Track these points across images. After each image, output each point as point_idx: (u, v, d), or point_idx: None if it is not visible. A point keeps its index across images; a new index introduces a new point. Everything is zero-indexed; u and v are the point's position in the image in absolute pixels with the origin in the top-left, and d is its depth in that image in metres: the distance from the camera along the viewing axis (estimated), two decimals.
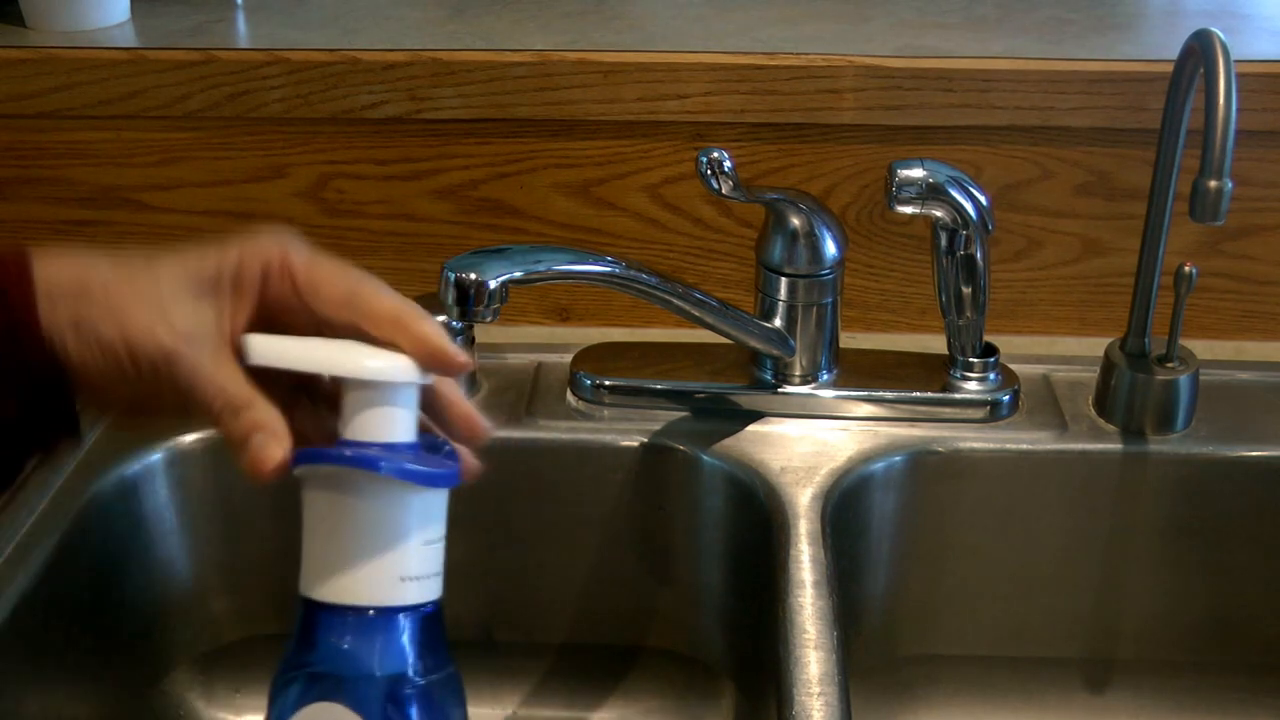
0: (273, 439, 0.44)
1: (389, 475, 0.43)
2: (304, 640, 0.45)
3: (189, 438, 0.76)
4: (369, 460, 0.43)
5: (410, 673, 0.45)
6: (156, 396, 0.45)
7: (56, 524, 0.70)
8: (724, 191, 0.69)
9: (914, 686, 0.84)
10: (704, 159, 0.68)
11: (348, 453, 0.44)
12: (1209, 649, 0.82)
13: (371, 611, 0.44)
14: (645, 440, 0.77)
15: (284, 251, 0.46)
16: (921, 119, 0.82)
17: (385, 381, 0.44)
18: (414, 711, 0.45)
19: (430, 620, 0.46)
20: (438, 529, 0.47)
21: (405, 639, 0.45)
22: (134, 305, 0.44)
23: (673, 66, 0.82)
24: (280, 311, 0.46)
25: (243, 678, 0.83)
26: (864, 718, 0.82)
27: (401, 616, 0.45)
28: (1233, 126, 0.61)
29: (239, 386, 0.45)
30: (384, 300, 0.46)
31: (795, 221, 0.74)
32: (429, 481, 0.45)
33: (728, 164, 0.68)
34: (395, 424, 0.45)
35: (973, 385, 0.78)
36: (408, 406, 0.45)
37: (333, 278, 0.46)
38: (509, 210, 0.87)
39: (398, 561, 0.45)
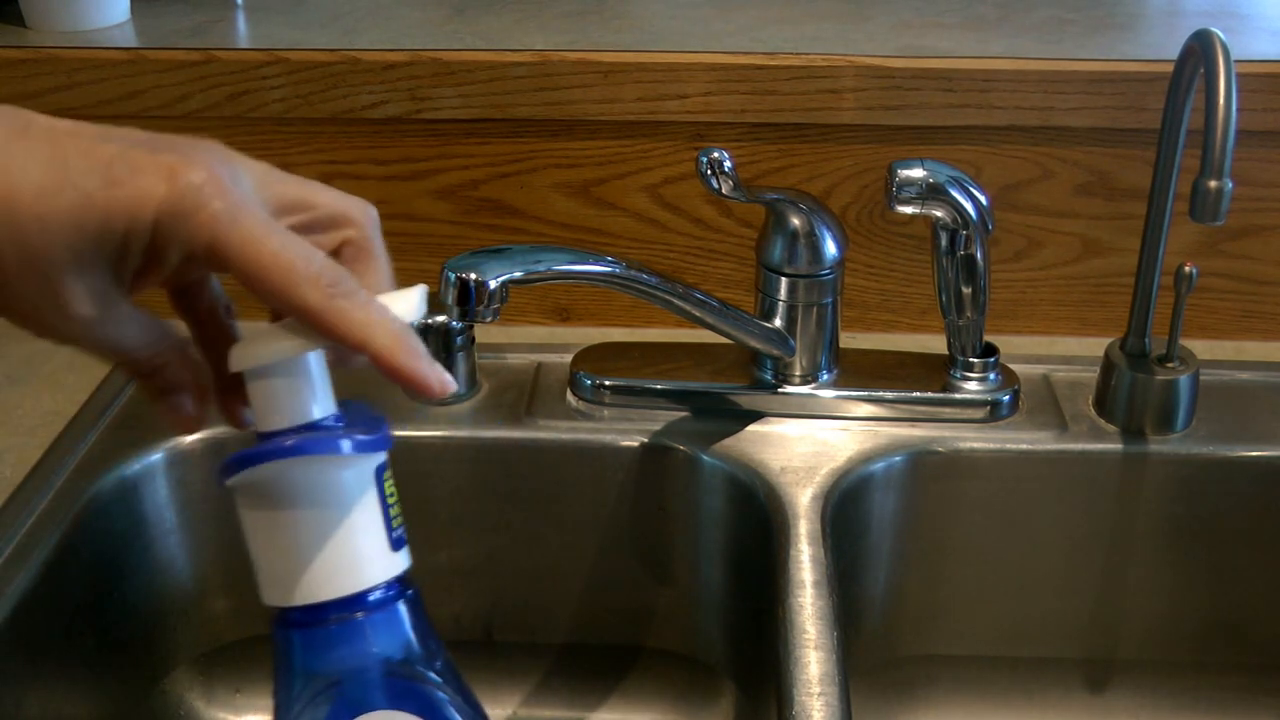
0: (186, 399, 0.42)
1: (313, 454, 0.41)
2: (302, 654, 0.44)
3: (189, 438, 0.76)
4: (293, 448, 0.41)
5: (420, 650, 0.44)
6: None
7: (56, 524, 0.70)
8: (724, 191, 0.69)
9: (914, 686, 0.84)
10: (704, 159, 0.68)
11: (269, 446, 0.41)
12: (1209, 649, 0.82)
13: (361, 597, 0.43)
14: (645, 440, 0.77)
15: (211, 241, 0.38)
16: (921, 119, 0.82)
17: (277, 362, 0.41)
18: (450, 682, 0.44)
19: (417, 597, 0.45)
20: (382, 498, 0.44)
21: (402, 614, 0.44)
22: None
23: (673, 66, 0.82)
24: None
25: (243, 678, 0.83)
26: (864, 718, 0.82)
27: (388, 594, 0.44)
28: (1233, 126, 0.61)
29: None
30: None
31: (795, 221, 0.74)
32: (358, 449, 0.42)
33: (728, 164, 0.68)
34: (306, 400, 0.42)
35: (973, 385, 0.78)
36: (308, 378, 0.42)
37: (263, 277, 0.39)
38: (509, 210, 0.88)
39: (359, 541, 0.43)
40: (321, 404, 0.43)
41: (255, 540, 0.43)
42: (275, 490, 0.42)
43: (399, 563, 0.44)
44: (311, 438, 0.42)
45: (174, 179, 0.37)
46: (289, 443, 0.41)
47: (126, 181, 0.37)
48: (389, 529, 0.43)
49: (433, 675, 0.45)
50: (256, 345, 0.42)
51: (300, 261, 0.38)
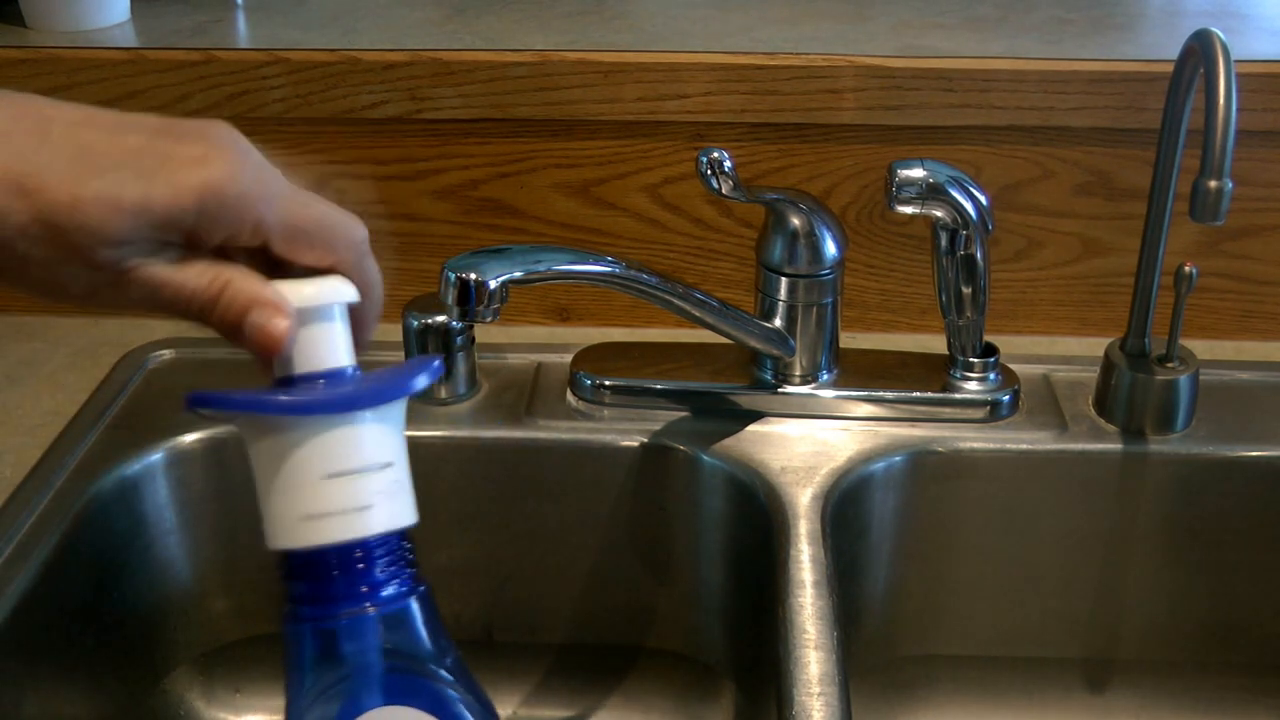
0: (267, 311, 0.42)
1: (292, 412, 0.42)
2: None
3: (189, 437, 0.76)
4: (267, 403, 0.42)
5: (431, 647, 0.44)
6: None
7: (56, 524, 0.70)
8: (724, 191, 0.69)
9: (914, 686, 0.84)
10: (704, 159, 0.68)
11: (238, 396, 0.42)
12: (1209, 649, 0.82)
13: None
14: (645, 440, 0.77)
15: (257, 222, 0.42)
16: (921, 119, 0.82)
17: (324, 305, 0.43)
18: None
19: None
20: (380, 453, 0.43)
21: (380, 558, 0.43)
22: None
23: (673, 66, 0.82)
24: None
25: (243, 678, 0.83)
26: (864, 718, 0.82)
27: (400, 590, 0.44)
28: (1233, 126, 0.61)
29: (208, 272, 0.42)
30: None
31: (795, 221, 0.74)
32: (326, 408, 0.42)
33: (728, 164, 0.68)
34: (327, 348, 0.43)
35: (973, 385, 0.78)
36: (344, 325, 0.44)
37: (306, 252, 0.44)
38: (509, 210, 0.87)
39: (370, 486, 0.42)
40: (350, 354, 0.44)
41: (272, 478, 0.43)
42: (295, 432, 0.42)
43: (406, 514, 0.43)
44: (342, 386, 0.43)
45: (208, 167, 0.40)
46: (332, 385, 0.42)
47: (159, 174, 0.39)
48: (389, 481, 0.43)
49: (443, 673, 0.45)
50: (304, 288, 0.43)
51: (341, 226, 0.44)
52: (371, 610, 0.43)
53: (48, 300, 0.41)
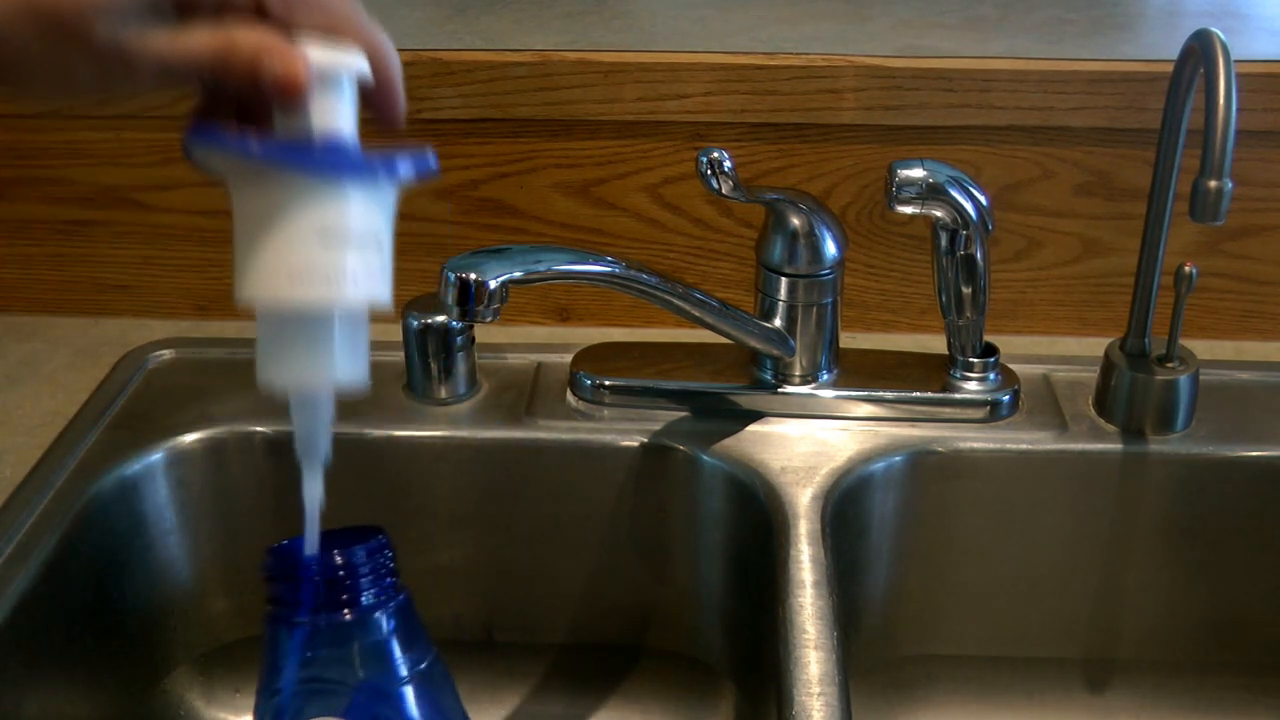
0: (277, 55, 0.41)
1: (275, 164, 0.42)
2: None
3: (189, 437, 0.76)
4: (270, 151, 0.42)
5: (403, 656, 0.44)
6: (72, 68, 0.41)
7: (56, 524, 0.70)
8: (724, 191, 0.69)
9: (914, 686, 0.84)
10: (704, 159, 0.68)
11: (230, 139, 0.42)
12: (1209, 649, 0.82)
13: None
14: (645, 440, 0.77)
15: None
16: (921, 119, 0.82)
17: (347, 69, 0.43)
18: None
19: None
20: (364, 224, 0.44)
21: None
22: None
23: (673, 66, 0.82)
24: None
25: (243, 678, 0.83)
26: (864, 718, 0.82)
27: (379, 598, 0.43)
28: (1233, 126, 0.61)
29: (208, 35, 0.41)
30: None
31: (795, 221, 0.74)
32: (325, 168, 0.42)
33: (728, 164, 0.68)
34: (336, 114, 0.43)
35: (973, 385, 0.78)
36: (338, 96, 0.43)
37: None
38: (509, 210, 0.87)
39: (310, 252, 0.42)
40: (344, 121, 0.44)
41: (256, 227, 0.43)
42: (264, 184, 0.42)
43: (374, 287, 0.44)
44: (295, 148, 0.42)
45: None
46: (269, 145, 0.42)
47: None
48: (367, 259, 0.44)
49: (408, 690, 0.45)
50: (309, 48, 0.42)
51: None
52: (348, 616, 0.43)
53: (65, 99, 0.41)
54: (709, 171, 0.68)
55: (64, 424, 0.78)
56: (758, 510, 0.73)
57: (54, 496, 0.72)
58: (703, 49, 0.83)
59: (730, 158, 0.69)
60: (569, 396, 0.80)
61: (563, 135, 0.85)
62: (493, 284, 0.60)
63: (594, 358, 0.81)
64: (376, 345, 0.88)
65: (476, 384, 0.81)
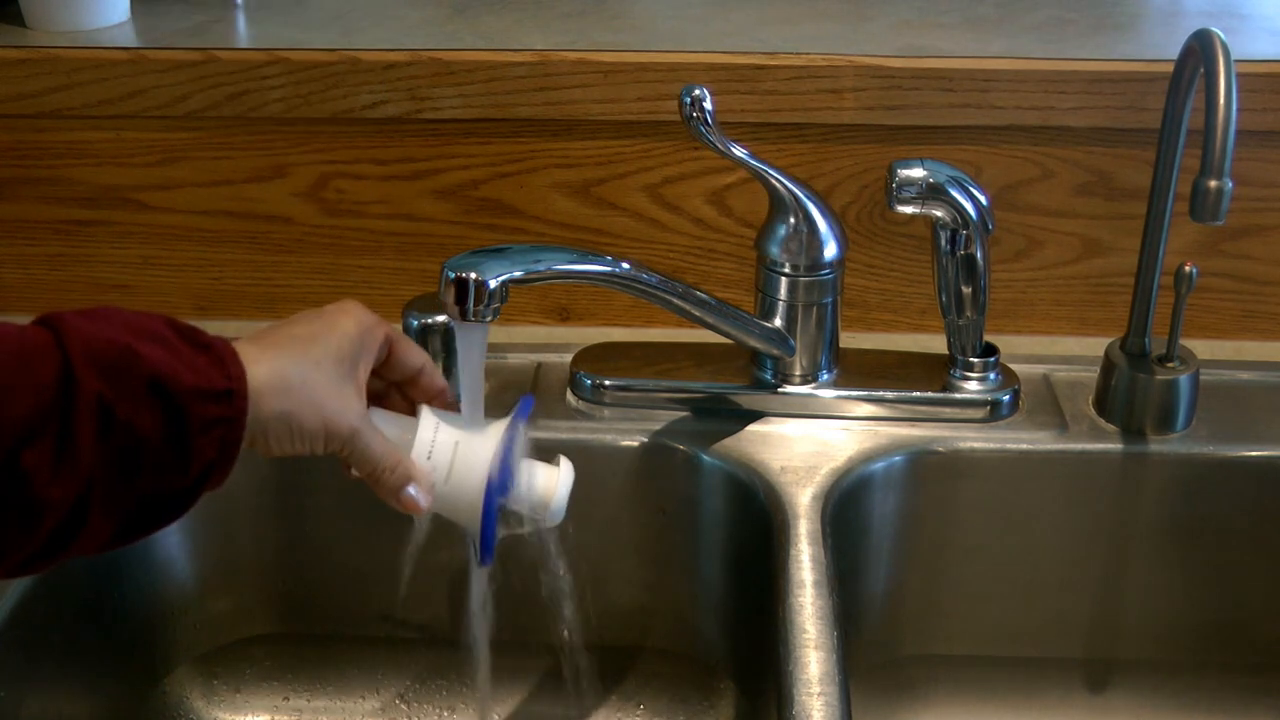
0: (423, 489, 0.58)
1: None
2: None
3: None
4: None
5: None
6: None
7: None
8: (706, 134, 0.69)
9: (914, 686, 0.84)
10: (686, 98, 0.68)
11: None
12: (1209, 649, 0.82)
13: None
14: (645, 440, 0.77)
15: (388, 334, 0.58)
16: (921, 119, 0.82)
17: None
18: None
19: None
20: None
21: None
22: (325, 398, 0.53)
23: (673, 66, 0.82)
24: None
25: (243, 678, 0.83)
26: (864, 718, 0.82)
27: None
28: (1233, 126, 0.61)
29: (392, 449, 0.57)
30: (429, 378, 0.61)
31: (796, 220, 0.74)
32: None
33: (708, 103, 0.69)
34: None
35: (973, 385, 0.78)
36: None
37: (408, 356, 0.60)
38: (509, 210, 0.87)
39: None
40: None
41: None
42: None
43: None
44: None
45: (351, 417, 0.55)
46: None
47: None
48: None
49: None
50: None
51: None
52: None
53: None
54: (693, 114, 0.69)
55: None
56: (758, 510, 0.73)
57: None
58: (703, 49, 0.83)
59: (711, 96, 0.69)
60: (569, 396, 0.80)
61: (563, 135, 0.85)
62: (492, 283, 0.60)
63: (594, 358, 0.81)
64: None
65: None
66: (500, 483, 0.59)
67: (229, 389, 0.49)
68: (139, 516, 0.49)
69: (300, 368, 0.53)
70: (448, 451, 0.58)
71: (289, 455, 0.54)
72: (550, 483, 0.62)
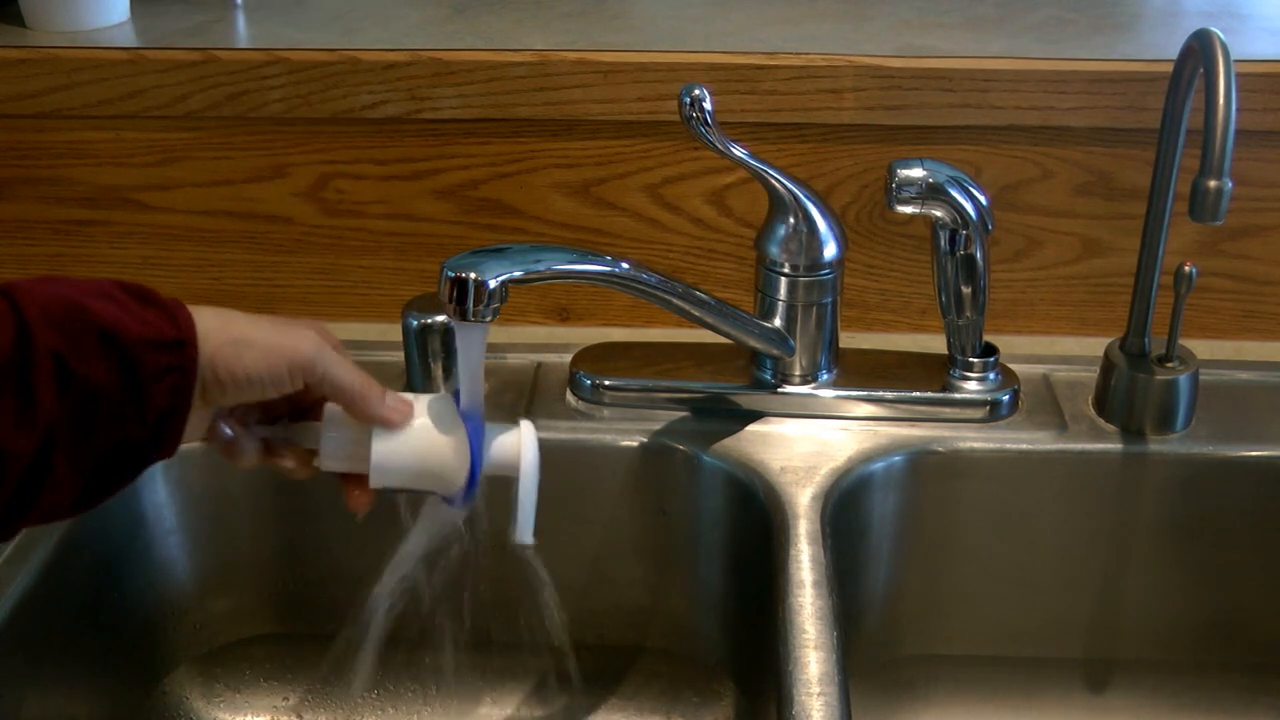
0: (401, 400, 0.58)
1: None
2: None
3: None
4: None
5: None
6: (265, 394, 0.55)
7: (56, 524, 0.70)
8: (706, 134, 0.69)
9: (914, 686, 0.84)
10: (686, 98, 0.68)
11: None
12: (1209, 649, 0.82)
13: None
14: (645, 440, 0.77)
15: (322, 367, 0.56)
16: (921, 119, 0.82)
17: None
18: None
19: None
20: None
21: None
22: (277, 334, 0.54)
23: (673, 66, 0.82)
24: None
25: (243, 678, 0.83)
26: (864, 718, 0.82)
27: None
28: (1233, 126, 0.61)
29: (360, 372, 0.57)
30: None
31: (796, 220, 0.74)
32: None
33: (708, 103, 0.69)
34: None
35: (973, 385, 0.78)
36: None
37: (339, 390, 0.57)
38: (509, 210, 0.88)
39: None
40: None
41: None
42: None
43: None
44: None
45: (310, 343, 0.55)
46: None
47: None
48: None
49: None
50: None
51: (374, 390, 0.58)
52: None
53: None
54: (693, 114, 0.69)
55: None
56: (758, 510, 0.73)
57: None
58: (703, 49, 0.83)
59: (711, 97, 0.69)
60: (569, 396, 0.80)
61: (563, 135, 0.85)
62: (492, 283, 0.60)
63: (594, 358, 0.81)
64: (377, 345, 0.88)
65: None
66: (473, 428, 0.59)
67: (178, 338, 0.51)
68: (104, 469, 0.51)
69: (247, 317, 0.54)
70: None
71: (255, 400, 0.54)
72: (513, 440, 0.61)
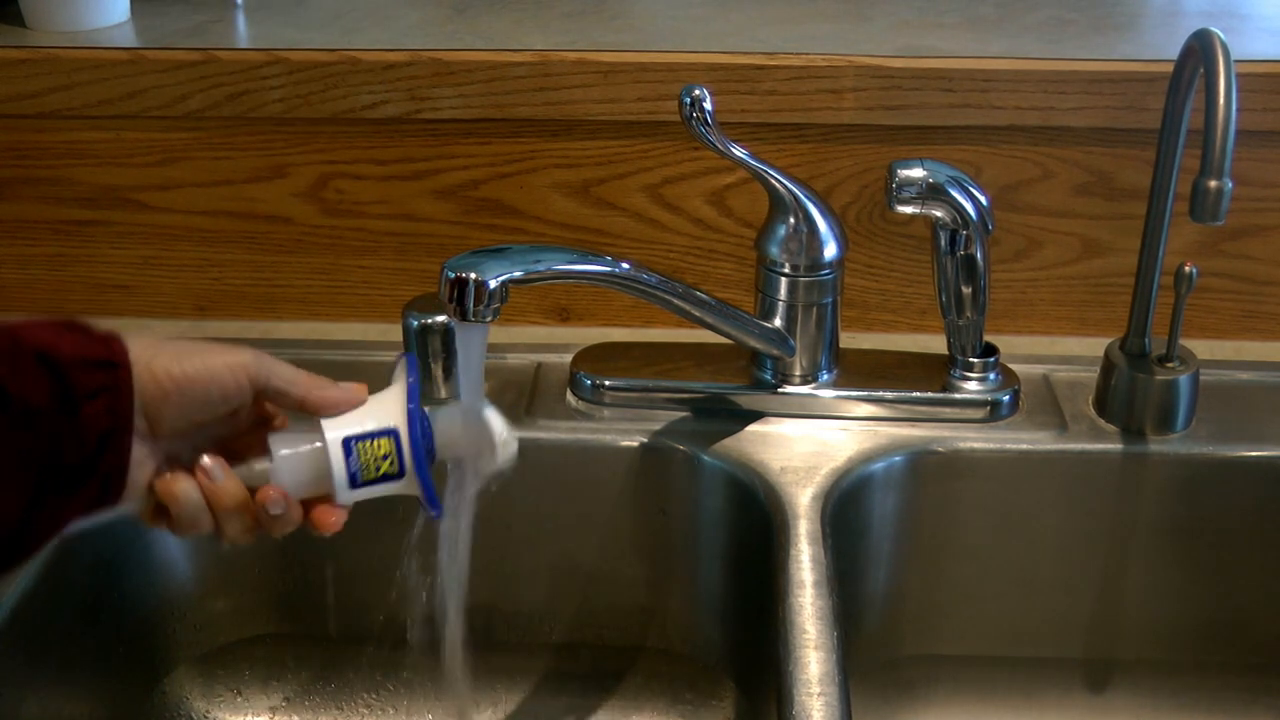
0: (355, 392, 0.57)
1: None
2: None
3: None
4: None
5: None
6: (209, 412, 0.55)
7: None
8: (706, 134, 0.69)
9: (914, 686, 0.84)
10: (686, 98, 0.68)
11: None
12: (1209, 649, 0.82)
13: None
14: (645, 440, 0.77)
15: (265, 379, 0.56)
16: (921, 119, 0.82)
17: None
18: None
19: None
20: None
21: None
22: (209, 349, 0.55)
23: (673, 66, 0.82)
24: None
25: (243, 678, 0.83)
26: (864, 718, 0.82)
27: None
28: (1233, 126, 0.61)
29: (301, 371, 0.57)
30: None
31: (796, 220, 0.74)
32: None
33: (708, 104, 0.69)
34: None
35: (973, 385, 0.78)
36: None
37: (289, 382, 0.56)
38: (509, 210, 0.88)
39: None
40: None
41: None
42: None
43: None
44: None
45: (248, 350, 0.55)
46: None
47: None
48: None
49: None
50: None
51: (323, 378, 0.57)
52: None
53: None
54: (693, 114, 0.68)
55: None
56: (758, 510, 0.73)
57: None
58: (703, 49, 0.83)
59: (711, 97, 0.69)
60: (569, 396, 0.80)
61: (563, 135, 0.85)
62: (492, 283, 0.60)
63: (594, 358, 0.81)
64: (377, 345, 0.88)
65: None
66: (421, 429, 0.57)
67: (110, 359, 0.51)
68: (45, 489, 0.50)
69: (183, 339, 0.56)
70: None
71: (203, 419, 0.54)
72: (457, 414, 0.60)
